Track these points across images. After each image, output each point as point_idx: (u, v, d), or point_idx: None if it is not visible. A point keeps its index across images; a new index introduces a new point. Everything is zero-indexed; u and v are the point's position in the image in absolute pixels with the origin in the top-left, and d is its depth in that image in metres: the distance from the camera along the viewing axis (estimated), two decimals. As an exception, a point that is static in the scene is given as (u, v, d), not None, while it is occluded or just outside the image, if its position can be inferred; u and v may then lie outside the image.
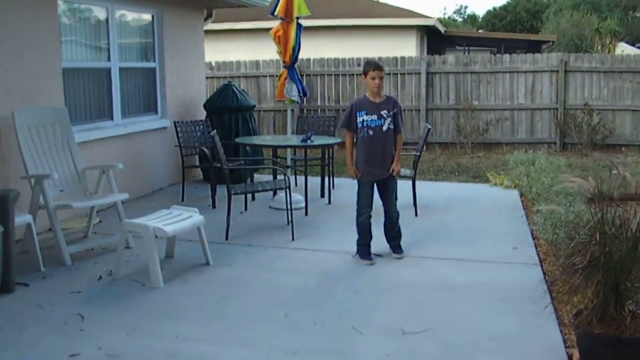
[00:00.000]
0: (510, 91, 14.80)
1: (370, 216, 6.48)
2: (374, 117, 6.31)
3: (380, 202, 6.59)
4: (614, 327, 4.02)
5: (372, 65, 6.36)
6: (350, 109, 6.43)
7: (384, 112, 6.33)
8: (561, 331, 4.65)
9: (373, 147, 6.36)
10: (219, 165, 7.70)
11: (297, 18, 8.60)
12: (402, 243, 6.63)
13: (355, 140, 6.48)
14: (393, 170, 6.44)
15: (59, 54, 7.78)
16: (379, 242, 6.59)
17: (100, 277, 5.94)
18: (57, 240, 6.30)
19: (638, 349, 4.04)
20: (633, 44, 41.78)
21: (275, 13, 8.58)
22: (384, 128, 6.34)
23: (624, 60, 14.46)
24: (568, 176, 4.78)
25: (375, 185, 6.51)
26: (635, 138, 14.21)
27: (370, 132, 6.33)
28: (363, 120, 6.32)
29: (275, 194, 8.84)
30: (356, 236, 6.53)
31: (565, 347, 4.43)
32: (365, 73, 6.41)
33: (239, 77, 15.83)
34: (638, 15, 52.58)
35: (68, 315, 5.03)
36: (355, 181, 6.54)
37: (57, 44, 7.73)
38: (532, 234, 7.27)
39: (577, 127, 14.12)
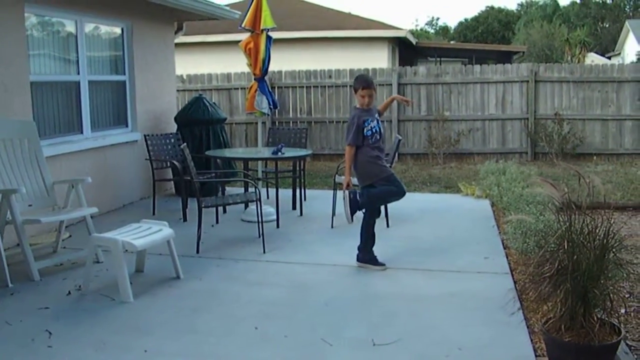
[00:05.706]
0: (481, 101, 14.92)
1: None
2: (375, 122, 6.45)
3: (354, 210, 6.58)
4: (583, 335, 4.04)
5: (362, 84, 6.41)
6: (357, 125, 6.35)
7: (377, 117, 6.51)
8: (531, 340, 4.66)
9: (382, 149, 6.54)
10: (189, 178, 7.66)
11: (266, 30, 8.58)
12: (375, 254, 6.62)
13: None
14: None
15: (27, 67, 7.70)
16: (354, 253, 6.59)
17: (69, 293, 5.87)
18: (25, 256, 6.21)
19: (607, 356, 4.07)
20: (602, 54, 42.45)
21: (244, 25, 8.56)
22: (382, 130, 6.56)
23: (593, 70, 14.64)
24: (541, 180, 4.80)
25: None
26: (605, 147, 14.40)
27: (378, 137, 6.46)
28: (371, 127, 6.40)
29: (246, 206, 8.81)
30: (327, 248, 6.53)
31: (536, 355, 4.44)
32: (355, 89, 6.49)
33: (211, 89, 15.84)
34: (607, 26, 53.41)
35: (36, 331, 4.95)
36: (342, 189, 6.54)
37: (25, 57, 7.65)
38: (502, 243, 7.30)
39: (548, 137, 14.26)
